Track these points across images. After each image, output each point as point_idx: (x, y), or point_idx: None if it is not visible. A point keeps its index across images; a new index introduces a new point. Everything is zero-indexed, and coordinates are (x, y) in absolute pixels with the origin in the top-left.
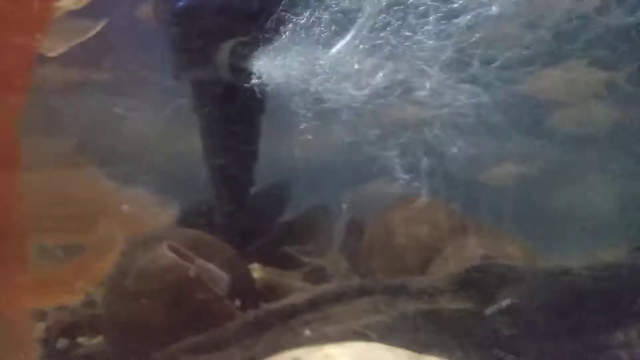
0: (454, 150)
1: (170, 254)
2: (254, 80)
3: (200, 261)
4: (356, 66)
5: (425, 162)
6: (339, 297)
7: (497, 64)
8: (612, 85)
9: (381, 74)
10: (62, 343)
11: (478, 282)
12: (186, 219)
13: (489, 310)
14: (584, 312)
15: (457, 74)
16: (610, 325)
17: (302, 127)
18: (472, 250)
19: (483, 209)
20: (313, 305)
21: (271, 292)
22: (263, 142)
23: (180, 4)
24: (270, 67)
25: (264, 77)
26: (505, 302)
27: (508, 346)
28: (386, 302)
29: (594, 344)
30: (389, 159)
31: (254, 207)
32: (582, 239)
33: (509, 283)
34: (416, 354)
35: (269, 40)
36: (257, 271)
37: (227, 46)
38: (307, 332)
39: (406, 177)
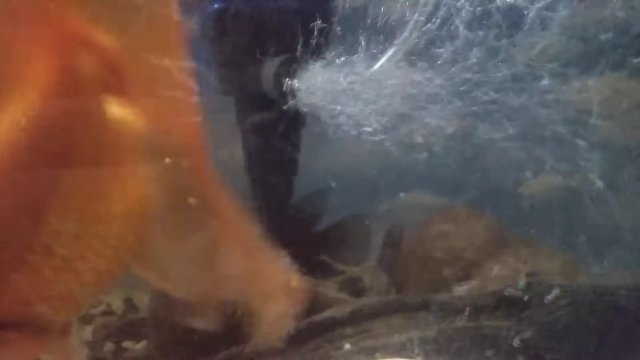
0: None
1: None
2: (298, 97)
3: None
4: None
5: (464, 173)
6: (378, 311)
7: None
8: None
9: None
10: (108, 347)
11: (519, 301)
12: None
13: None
14: (625, 333)
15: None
16: None
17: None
18: (513, 266)
19: (524, 223)
20: (353, 318)
21: (309, 301)
22: (303, 154)
23: (224, 19)
24: (314, 84)
25: (308, 94)
26: None
27: None
28: (426, 318)
29: None
30: (428, 169)
31: (292, 216)
32: (626, 257)
33: (551, 302)
34: None
35: (316, 58)
36: (294, 280)
37: (273, 62)
38: (347, 346)
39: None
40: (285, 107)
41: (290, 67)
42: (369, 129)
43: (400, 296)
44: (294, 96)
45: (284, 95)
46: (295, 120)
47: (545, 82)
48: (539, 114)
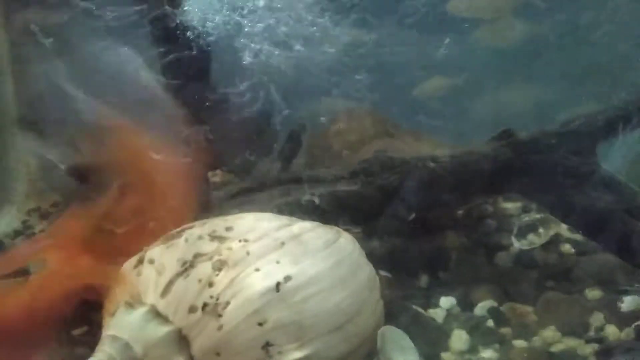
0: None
1: None
2: None
3: None
4: None
5: (366, 80)
6: (260, 187)
7: None
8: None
9: None
10: None
11: (365, 170)
12: None
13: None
14: (445, 189)
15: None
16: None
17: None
18: (375, 148)
19: (416, 117)
20: (242, 192)
21: None
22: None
23: None
24: None
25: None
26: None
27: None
28: (296, 188)
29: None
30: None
31: None
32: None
33: (389, 170)
34: (291, 218)
35: None
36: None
37: None
38: (236, 211)
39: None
40: None
41: None
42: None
43: (277, 174)
44: None
45: None
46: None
47: None
48: None
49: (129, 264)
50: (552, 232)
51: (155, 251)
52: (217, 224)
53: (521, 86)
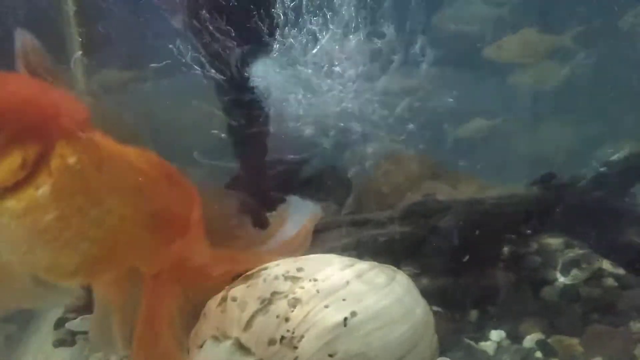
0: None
1: None
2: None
3: None
4: None
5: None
6: (322, 229)
7: None
8: (560, 47)
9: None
10: None
11: (416, 213)
12: None
13: None
14: (491, 229)
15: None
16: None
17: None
18: (424, 191)
19: (458, 157)
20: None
21: None
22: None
23: None
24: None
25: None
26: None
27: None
28: (354, 230)
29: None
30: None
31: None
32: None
33: (438, 212)
34: (352, 259)
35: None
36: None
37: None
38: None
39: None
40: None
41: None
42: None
43: (333, 217)
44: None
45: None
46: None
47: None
48: None
49: (214, 301)
50: (595, 267)
51: (237, 290)
52: (289, 265)
53: (559, 126)
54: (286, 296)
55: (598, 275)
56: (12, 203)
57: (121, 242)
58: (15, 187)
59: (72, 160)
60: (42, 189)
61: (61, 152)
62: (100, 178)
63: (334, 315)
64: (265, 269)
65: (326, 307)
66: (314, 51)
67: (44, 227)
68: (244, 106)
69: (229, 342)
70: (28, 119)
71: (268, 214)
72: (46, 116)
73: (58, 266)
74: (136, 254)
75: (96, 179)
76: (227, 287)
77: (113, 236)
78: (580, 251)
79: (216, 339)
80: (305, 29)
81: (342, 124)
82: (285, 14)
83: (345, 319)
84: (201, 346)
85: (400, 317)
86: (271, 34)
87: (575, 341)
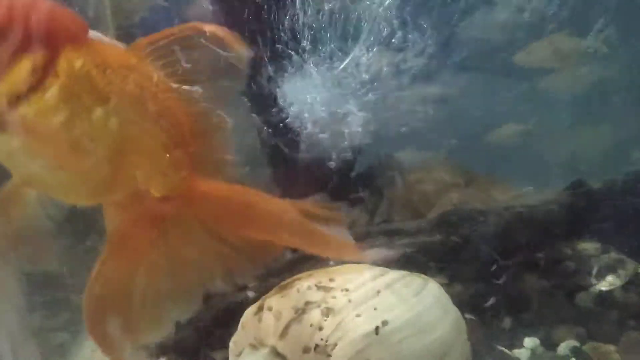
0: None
1: None
2: None
3: None
4: None
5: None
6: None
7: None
8: (590, 50)
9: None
10: None
11: (447, 222)
12: None
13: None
14: (524, 235)
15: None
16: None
17: None
18: (456, 199)
19: (490, 163)
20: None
21: None
22: None
23: None
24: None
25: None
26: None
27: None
28: (385, 239)
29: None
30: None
31: None
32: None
33: (469, 220)
34: (383, 268)
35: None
36: None
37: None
38: (332, 262)
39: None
40: None
41: None
42: None
43: (366, 227)
44: None
45: None
46: None
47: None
48: None
49: (250, 311)
50: (631, 273)
51: (273, 300)
52: (321, 275)
53: (592, 130)
54: (319, 306)
55: (634, 281)
56: (25, 109)
57: (128, 150)
58: (27, 94)
59: (78, 63)
60: (49, 91)
61: (67, 56)
62: (105, 78)
63: (366, 324)
64: (299, 279)
65: (358, 316)
66: (346, 62)
67: (54, 131)
68: (276, 119)
69: (265, 350)
70: (34, 25)
71: None
72: (51, 22)
73: (68, 181)
74: (144, 168)
75: (101, 79)
76: (263, 296)
77: (120, 140)
78: (616, 256)
79: (254, 347)
80: (333, 43)
81: (372, 133)
82: (311, 28)
83: (377, 327)
84: (239, 354)
85: (431, 325)
86: (300, 50)
87: (611, 348)
